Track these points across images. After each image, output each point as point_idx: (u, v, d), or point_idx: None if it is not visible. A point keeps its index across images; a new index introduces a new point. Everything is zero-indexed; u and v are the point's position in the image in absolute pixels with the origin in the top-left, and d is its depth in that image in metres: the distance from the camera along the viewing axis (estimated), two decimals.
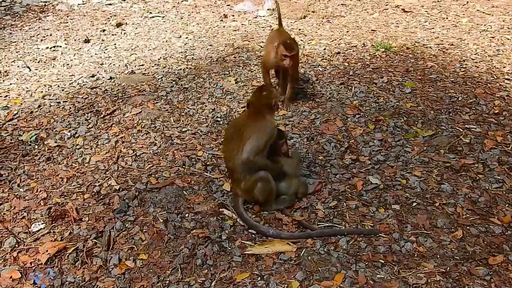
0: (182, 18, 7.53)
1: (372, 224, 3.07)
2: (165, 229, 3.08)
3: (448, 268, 2.73)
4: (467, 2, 7.98)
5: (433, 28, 6.76)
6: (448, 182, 3.45)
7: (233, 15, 7.59)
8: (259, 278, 2.69)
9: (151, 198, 3.36)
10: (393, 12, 7.61)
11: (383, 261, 2.78)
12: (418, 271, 2.70)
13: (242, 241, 2.96)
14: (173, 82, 5.18)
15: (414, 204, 3.24)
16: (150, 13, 7.79)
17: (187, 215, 3.21)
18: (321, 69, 5.43)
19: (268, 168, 3.15)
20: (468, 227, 3.02)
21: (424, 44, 6.10)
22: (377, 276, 2.68)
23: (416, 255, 2.83)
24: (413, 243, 2.90)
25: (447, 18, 7.26)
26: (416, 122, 4.26)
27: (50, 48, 6.33)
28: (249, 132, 3.08)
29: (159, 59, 5.85)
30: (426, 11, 7.59)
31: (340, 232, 2.96)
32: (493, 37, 6.33)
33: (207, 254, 2.87)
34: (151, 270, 2.79)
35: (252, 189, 3.11)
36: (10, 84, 5.27)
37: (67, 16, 7.64)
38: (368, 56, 5.78)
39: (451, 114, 4.40)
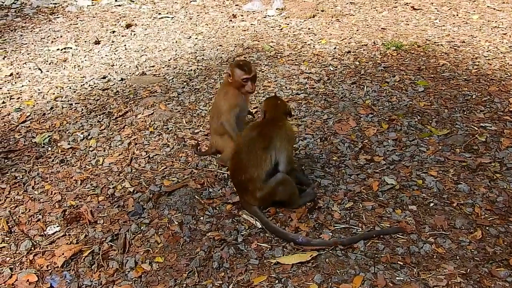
0: (191, 18, 7.50)
1: (389, 225, 3.02)
2: (181, 231, 3.05)
3: (469, 269, 2.68)
4: None
5: (443, 26, 6.69)
6: (465, 182, 3.39)
7: (242, 15, 7.56)
8: (276, 281, 2.65)
9: (166, 200, 3.33)
10: (403, 10, 7.54)
11: (402, 263, 2.73)
12: (438, 273, 2.65)
13: (259, 244, 2.92)
14: (184, 83, 5.15)
15: (431, 204, 3.19)
16: (159, 14, 7.77)
17: (202, 217, 3.17)
18: (332, 69, 5.38)
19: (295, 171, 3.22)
20: (487, 228, 2.97)
21: (435, 42, 6.04)
22: (397, 278, 2.63)
23: (435, 256, 2.78)
24: (431, 245, 2.85)
25: (457, 15, 7.18)
26: (430, 121, 4.20)
27: (61, 50, 6.32)
28: (272, 141, 3.04)
29: (169, 60, 5.82)
30: (436, 9, 7.52)
31: (368, 235, 2.91)
32: (504, 34, 6.26)
33: (223, 257, 2.83)
34: (167, 273, 2.76)
35: (272, 195, 3.07)
36: (22, 86, 5.26)
37: (77, 18, 7.63)
38: (379, 54, 5.72)
39: (465, 113, 4.34)
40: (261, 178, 3.02)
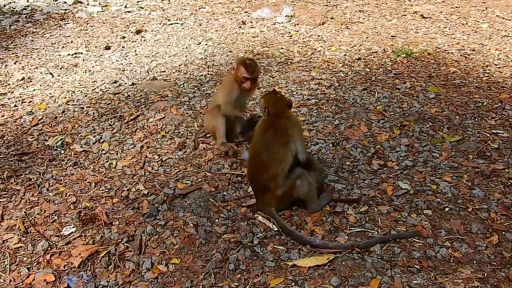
0: (200, 25, 7.56)
1: (405, 229, 3.03)
2: (196, 233, 3.07)
3: (486, 274, 2.68)
4: (486, 8, 7.94)
5: (453, 34, 6.73)
6: (480, 187, 3.40)
7: (251, 22, 7.61)
8: (293, 284, 2.66)
9: (180, 202, 3.35)
10: (412, 18, 7.58)
11: (418, 267, 2.74)
12: (455, 277, 2.66)
13: (275, 246, 2.94)
14: (195, 88, 5.19)
15: (447, 209, 3.20)
16: (169, 20, 7.83)
17: (217, 219, 3.19)
18: (342, 75, 5.41)
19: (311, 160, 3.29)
20: (503, 232, 2.98)
21: (445, 50, 6.07)
22: (413, 282, 2.64)
23: (452, 260, 2.79)
24: (448, 249, 2.86)
25: (466, 23, 7.22)
26: (442, 127, 4.22)
27: (72, 55, 6.38)
28: (289, 134, 3.10)
29: (180, 65, 5.87)
30: (445, 17, 7.56)
31: (384, 239, 2.92)
32: None
33: (239, 259, 2.85)
34: (184, 275, 2.77)
35: (291, 191, 3.10)
36: (34, 90, 5.31)
37: (87, 24, 7.70)
38: (389, 61, 5.75)
39: (477, 119, 4.36)
40: (285, 172, 3.10)
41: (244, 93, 4.01)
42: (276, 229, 3.07)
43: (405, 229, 3.03)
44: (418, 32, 6.86)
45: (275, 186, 3.10)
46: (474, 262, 2.78)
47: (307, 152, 3.26)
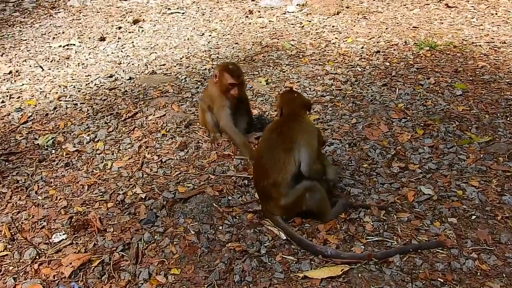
0: (203, 14, 7.58)
1: (427, 239, 3.02)
2: (198, 241, 3.07)
3: None
4: None
5: (481, 25, 6.70)
6: (510, 193, 3.39)
7: (259, 11, 7.62)
8: None
9: (181, 208, 3.36)
10: (436, 8, 7.56)
11: (442, 280, 2.73)
12: None
13: (284, 256, 2.94)
14: (198, 83, 5.21)
15: (473, 217, 3.19)
16: (169, 9, 7.86)
17: (220, 226, 3.20)
18: (360, 69, 5.41)
19: (322, 172, 3.20)
20: None
21: (473, 42, 6.05)
22: None
23: (479, 273, 2.78)
24: (475, 261, 2.85)
25: (496, 14, 7.19)
26: (469, 127, 4.20)
27: (63, 47, 6.42)
28: (294, 139, 3.06)
29: (181, 58, 5.89)
30: (472, 7, 7.54)
31: (404, 249, 2.91)
32: None
33: (245, 269, 2.85)
34: (184, 286, 2.78)
35: (298, 204, 3.09)
36: (23, 84, 5.35)
37: (80, 13, 7.75)
38: (411, 55, 5.74)
39: (508, 119, 4.34)
40: (287, 182, 3.04)
41: (233, 100, 4.03)
42: (285, 237, 3.06)
43: (427, 239, 3.02)
44: (442, 23, 6.84)
45: (277, 195, 3.08)
46: (504, 275, 2.76)
47: (314, 164, 3.10)
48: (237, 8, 7.84)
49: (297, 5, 7.76)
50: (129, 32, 6.86)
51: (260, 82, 5.16)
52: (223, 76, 3.92)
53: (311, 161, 3.07)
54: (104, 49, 6.31)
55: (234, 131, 4.01)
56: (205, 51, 6.09)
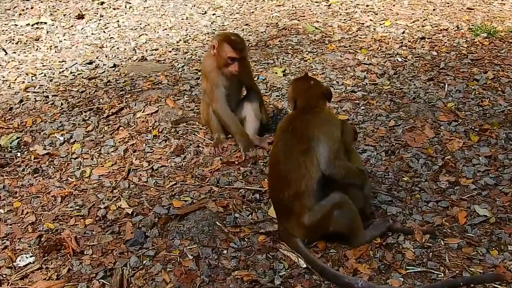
0: None
1: (482, 271, 3.03)
2: (197, 268, 3.10)
3: None
4: None
5: None
6: None
7: None
8: None
9: (176, 226, 3.39)
10: None
11: None
12: None
13: None
14: (199, 73, 5.25)
15: None
16: None
17: (225, 250, 3.22)
18: (400, 60, 5.44)
19: (352, 173, 3.17)
20: None
21: None
22: None
23: None
24: None
25: None
26: None
27: (32, 26, 6.50)
28: (311, 135, 3.07)
29: (178, 42, 5.95)
30: None
31: (453, 283, 2.92)
32: None
33: None
34: None
35: (325, 222, 3.11)
36: None
37: None
38: (464, 43, 5.77)
39: None
40: (312, 191, 3.06)
41: (232, 79, 4.11)
42: (305, 265, 3.09)
43: (482, 271, 3.03)
44: (504, 4, 6.86)
45: (301, 209, 3.10)
46: None
47: (337, 160, 3.10)
48: None
49: None
50: (114, 9, 6.94)
51: (276, 73, 5.20)
52: (223, 47, 3.96)
53: (331, 155, 3.06)
54: (82, 29, 6.38)
55: (228, 115, 4.08)
56: (207, 33, 6.14)
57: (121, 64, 5.48)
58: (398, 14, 6.55)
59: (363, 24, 6.28)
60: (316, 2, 7.01)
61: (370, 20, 6.39)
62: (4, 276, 3.11)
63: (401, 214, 3.47)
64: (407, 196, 3.63)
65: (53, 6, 7.03)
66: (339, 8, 6.77)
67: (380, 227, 3.27)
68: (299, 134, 3.10)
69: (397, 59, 5.45)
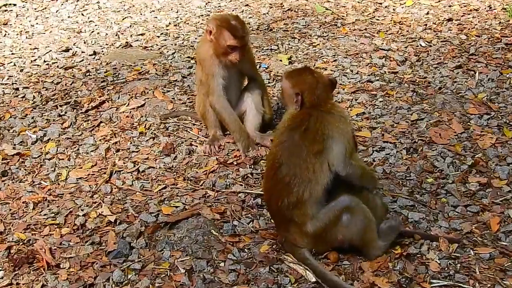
0: None
1: None
2: (190, 283, 3.11)
3: None
4: None
5: None
6: None
7: None
8: None
9: (166, 236, 3.40)
10: None
11: None
12: None
13: None
14: (191, 61, 5.27)
15: None
16: None
17: (222, 263, 3.22)
18: (423, 45, 5.45)
19: (368, 174, 3.24)
20: None
21: None
22: None
23: None
24: None
25: None
26: None
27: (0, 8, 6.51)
28: (326, 136, 3.09)
29: (167, 26, 5.96)
30: None
31: None
32: None
33: None
34: None
35: (331, 231, 3.12)
36: None
37: None
38: (497, 25, 5.78)
39: None
40: (316, 199, 3.08)
41: (231, 68, 4.13)
42: (315, 279, 3.10)
43: None
44: None
45: (302, 218, 3.12)
46: None
47: (357, 163, 3.19)
48: None
49: None
50: None
51: (281, 60, 5.22)
52: (221, 34, 3.94)
53: (347, 155, 3.12)
54: (57, 11, 6.40)
55: (226, 109, 4.10)
56: (201, 15, 6.16)
57: (102, 51, 5.50)
58: None
59: (381, 3, 6.30)
60: None
61: None
62: None
63: (425, 220, 3.47)
64: (432, 200, 3.64)
65: None
66: None
67: (394, 228, 3.26)
68: (313, 134, 3.11)
69: (420, 44, 5.46)
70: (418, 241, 3.31)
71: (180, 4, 6.45)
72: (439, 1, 6.32)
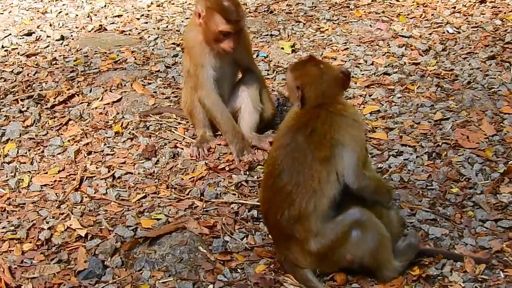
0: None
1: None
2: None
3: None
4: None
5: None
6: None
7: None
8: None
9: (145, 253, 3.44)
10: None
11: None
12: None
13: None
14: (177, 48, 5.31)
15: None
16: None
17: (211, 285, 3.26)
18: (451, 31, 5.50)
19: (383, 187, 3.28)
20: None
21: None
22: None
23: None
24: None
25: None
26: None
27: None
28: (336, 141, 3.13)
29: (149, 6, 6.00)
30: None
31: None
32: None
33: None
34: None
35: (338, 249, 3.16)
36: None
37: None
38: None
39: None
40: (321, 212, 3.12)
41: (224, 57, 4.14)
42: None
43: None
44: None
45: (304, 234, 3.15)
46: None
47: (370, 174, 3.24)
48: None
49: None
50: None
51: (282, 48, 5.28)
52: (212, 17, 3.90)
53: (359, 165, 3.15)
54: None
55: (218, 106, 4.13)
56: None
57: (71, 35, 5.56)
58: None
59: None
60: None
61: None
62: None
63: (448, 237, 3.51)
64: (456, 213, 3.68)
65: None
66: None
67: (412, 246, 3.28)
68: (319, 138, 3.14)
69: (447, 30, 5.52)
70: (440, 261, 3.33)
71: None
72: None
